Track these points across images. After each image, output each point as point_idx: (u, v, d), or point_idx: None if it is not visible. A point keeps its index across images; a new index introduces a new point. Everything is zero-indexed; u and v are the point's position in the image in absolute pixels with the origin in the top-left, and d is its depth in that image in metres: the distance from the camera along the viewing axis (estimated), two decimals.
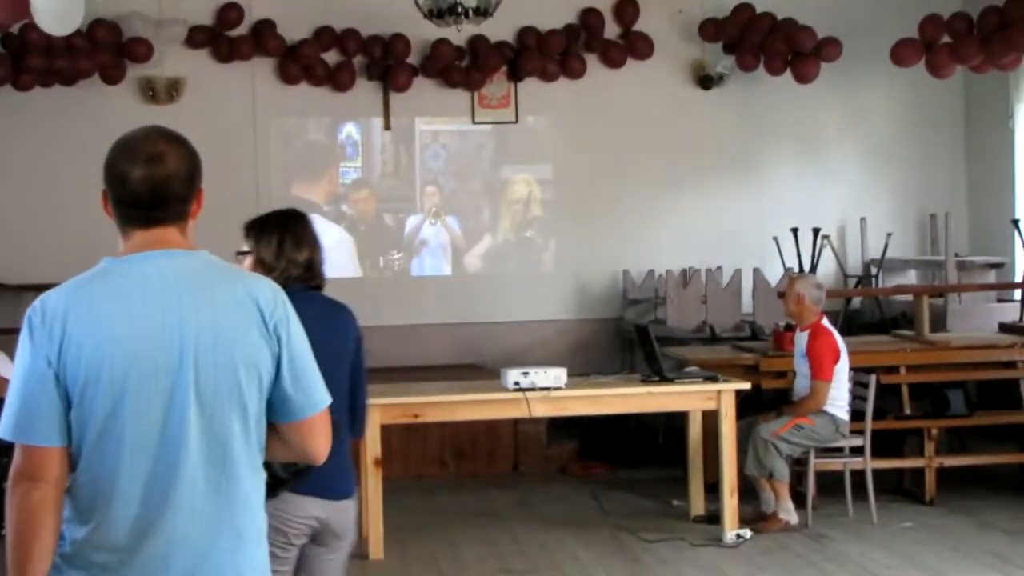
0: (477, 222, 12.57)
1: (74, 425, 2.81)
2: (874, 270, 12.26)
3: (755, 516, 8.30)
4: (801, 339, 8.35)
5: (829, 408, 8.24)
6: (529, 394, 7.73)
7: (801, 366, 8.35)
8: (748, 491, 8.29)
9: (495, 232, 12.58)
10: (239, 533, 2.91)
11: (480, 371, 11.38)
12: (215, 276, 2.93)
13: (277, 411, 2.96)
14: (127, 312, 2.82)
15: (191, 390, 2.84)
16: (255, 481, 2.96)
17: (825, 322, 8.40)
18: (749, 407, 8.68)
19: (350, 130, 12.36)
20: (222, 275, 2.95)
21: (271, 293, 2.96)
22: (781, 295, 9.17)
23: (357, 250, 12.34)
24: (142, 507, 2.82)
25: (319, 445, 3.02)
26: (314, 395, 2.98)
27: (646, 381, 8.18)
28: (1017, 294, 10.97)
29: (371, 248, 12.43)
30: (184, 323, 2.85)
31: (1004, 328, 10.31)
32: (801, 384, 8.37)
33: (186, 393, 2.83)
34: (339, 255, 12.10)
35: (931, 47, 10.56)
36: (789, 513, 8.23)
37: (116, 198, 2.93)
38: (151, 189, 2.88)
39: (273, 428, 2.99)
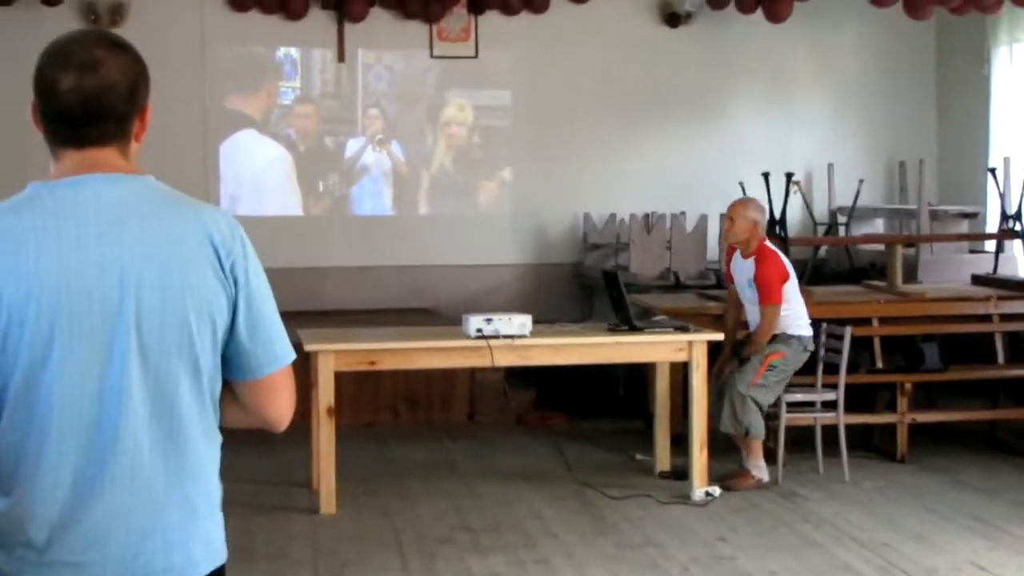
0: (420, 151, 12.03)
1: None
2: (842, 218, 11.93)
3: (725, 473, 7.96)
4: (747, 266, 7.89)
5: (794, 330, 7.85)
6: (492, 342, 7.32)
7: (749, 294, 7.91)
8: (714, 447, 7.95)
9: (442, 166, 12.08)
10: (189, 504, 2.48)
11: (435, 316, 10.99)
12: (163, 205, 2.47)
13: (232, 367, 2.52)
14: (57, 244, 2.36)
15: (132, 336, 2.38)
16: (209, 446, 2.53)
17: (768, 244, 7.99)
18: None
19: (289, 49, 11.79)
20: (171, 204, 2.48)
21: (228, 227, 2.49)
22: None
23: (296, 171, 11.81)
24: (75, 475, 2.37)
25: (282, 408, 2.60)
26: (276, 348, 2.54)
27: (614, 330, 7.79)
28: (990, 245, 10.66)
29: (310, 171, 11.87)
30: (126, 258, 2.38)
31: (977, 280, 10.03)
32: (752, 312, 7.96)
33: (127, 340, 2.37)
34: (278, 174, 11.69)
35: None
36: (761, 470, 7.90)
37: (44, 111, 2.46)
38: (82, 102, 2.42)
39: (227, 387, 2.55)
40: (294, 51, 11.81)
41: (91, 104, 2.43)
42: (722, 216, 10.83)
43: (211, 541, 2.54)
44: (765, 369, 7.79)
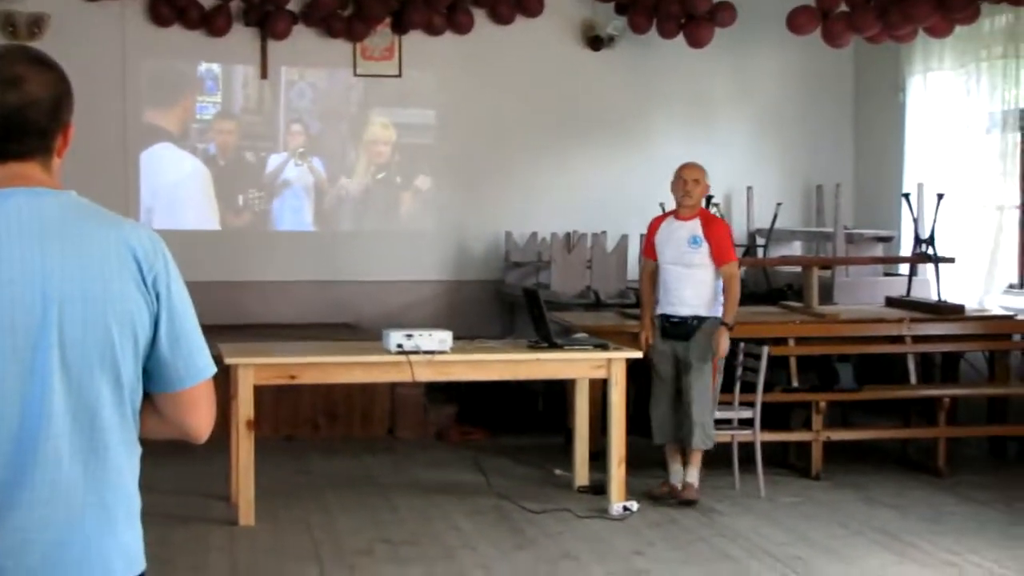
0: (343, 166, 12.10)
1: None
2: (760, 240, 12.09)
3: (657, 491, 8.07)
4: (688, 226, 7.94)
5: (719, 312, 7.95)
6: (412, 357, 7.36)
7: (687, 254, 7.91)
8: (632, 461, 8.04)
9: (365, 182, 12.14)
10: (108, 514, 2.49)
11: (356, 331, 11.00)
12: (85, 220, 2.47)
13: (153, 379, 2.54)
14: None
15: (54, 350, 2.39)
16: (129, 456, 2.54)
17: (736, 230, 8.15)
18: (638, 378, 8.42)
19: (211, 65, 11.77)
20: (93, 219, 2.49)
21: (150, 242, 2.51)
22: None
23: (215, 185, 11.79)
24: None
25: (202, 420, 2.62)
26: (197, 361, 2.55)
27: (534, 347, 7.86)
28: (904, 268, 10.86)
29: (230, 185, 11.85)
30: (47, 273, 2.40)
31: (891, 302, 10.22)
32: (684, 275, 7.92)
33: (48, 354, 2.39)
34: (196, 188, 11.71)
35: (828, 15, 10.37)
36: (698, 480, 8.03)
37: None
38: (4, 116, 2.43)
39: (148, 400, 2.57)
40: (216, 67, 11.78)
41: (13, 119, 2.43)
42: (640, 236, 11.05)
43: (129, 551, 2.55)
44: (716, 376, 7.92)
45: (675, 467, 8.11)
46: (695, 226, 7.93)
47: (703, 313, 7.93)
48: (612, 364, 7.71)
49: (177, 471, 8.36)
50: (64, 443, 2.41)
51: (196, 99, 11.74)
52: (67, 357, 2.40)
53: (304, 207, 11.98)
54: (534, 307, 8.03)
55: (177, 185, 11.75)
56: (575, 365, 7.85)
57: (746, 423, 8.32)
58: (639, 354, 7.97)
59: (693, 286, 7.93)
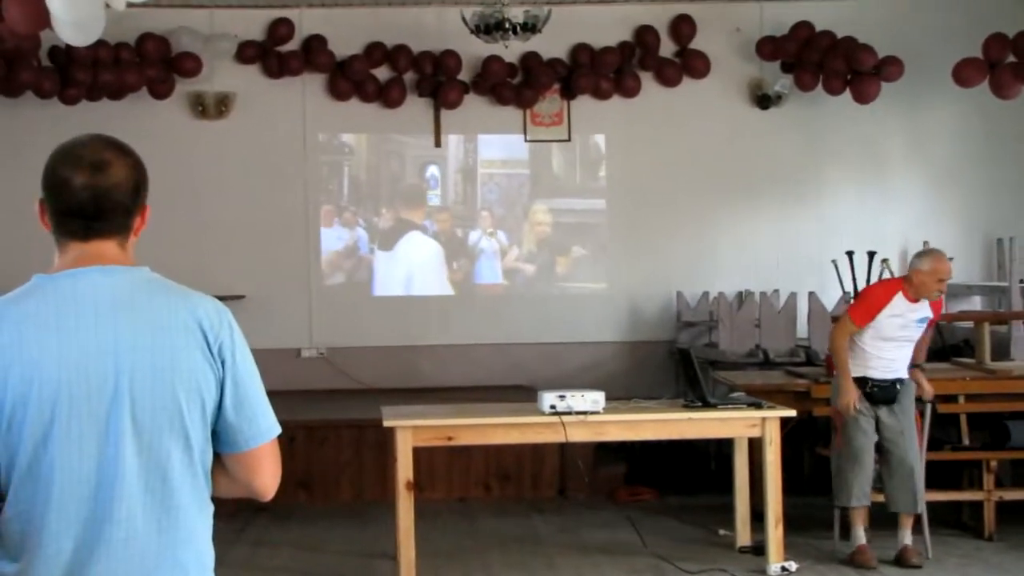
0: (518, 236, 12.67)
1: (2, 454, 2.63)
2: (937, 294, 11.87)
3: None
4: (918, 308, 7.90)
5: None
6: (565, 418, 7.49)
7: (915, 332, 7.95)
8: (793, 521, 8.01)
9: (538, 247, 12.61)
10: (181, 568, 2.72)
11: (528, 393, 11.17)
12: (154, 294, 2.75)
13: (221, 440, 2.78)
14: (57, 333, 2.63)
15: (127, 418, 2.64)
16: (200, 513, 2.77)
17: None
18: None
19: (433, 170, 12.46)
20: (162, 293, 2.76)
21: (216, 313, 2.77)
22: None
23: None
24: (76, 544, 2.63)
25: (266, 479, 2.84)
26: (260, 423, 2.80)
27: (688, 406, 7.92)
28: None
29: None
30: (119, 345, 2.66)
31: None
32: (896, 357, 7.93)
33: (121, 421, 2.64)
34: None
35: (995, 67, 10.26)
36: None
37: (55, 207, 2.75)
38: (93, 198, 2.71)
39: (218, 460, 2.80)
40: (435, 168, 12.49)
41: (102, 200, 2.71)
42: (811, 294, 11.01)
43: None
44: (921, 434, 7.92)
45: (860, 530, 8.04)
46: (924, 307, 7.94)
47: (903, 376, 7.98)
48: (766, 423, 7.71)
49: (350, 532, 8.69)
50: (137, 503, 2.65)
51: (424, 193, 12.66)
52: (138, 422, 2.65)
53: (495, 267, 12.56)
54: (688, 367, 8.09)
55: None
56: (728, 424, 7.86)
57: None
58: (793, 413, 7.95)
59: (906, 355, 7.98)
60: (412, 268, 12.61)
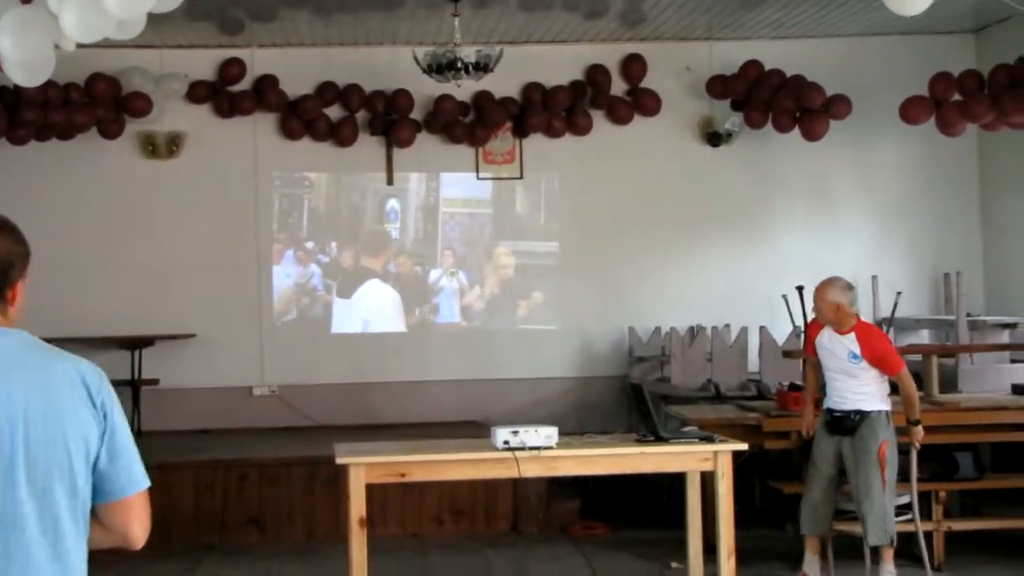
0: (479, 278, 12.66)
1: None
2: (886, 328, 12.01)
3: None
4: (846, 341, 8.01)
5: (884, 406, 8.01)
6: (519, 454, 7.50)
7: (850, 366, 8.00)
8: (746, 553, 8.05)
9: (495, 290, 12.63)
10: None
11: (481, 428, 11.19)
12: (41, 354, 2.92)
13: (97, 491, 2.93)
14: None
15: (21, 468, 2.80)
16: (82, 563, 2.92)
17: (864, 319, 8.20)
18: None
19: (393, 203, 12.50)
20: (47, 353, 2.94)
21: (95, 372, 2.94)
22: (808, 326, 8.74)
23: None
24: None
25: (139, 528, 2.98)
26: (134, 472, 2.96)
27: (641, 441, 7.95)
28: None
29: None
30: (13, 401, 2.82)
31: (1017, 389, 10.05)
32: (841, 386, 8.04)
33: (17, 471, 2.80)
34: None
35: (941, 105, 10.43)
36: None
37: None
38: None
39: (92, 514, 2.95)
40: (395, 202, 12.56)
41: None
42: (763, 329, 11.09)
43: None
44: (885, 469, 7.92)
45: (810, 556, 8.12)
46: (851, 342, 8.00)
47: (866, 408, 7.99)
48: (718, 456, 7.74)
49: (301, 571, 8.71)
50: (35, 547, 2.81)
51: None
52: (33, 472, 2.81)
53: (453, 307, 12.67)
54: (641, 402, 8.13)
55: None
56: (680, 458, 7.89)
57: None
58: (744, 446, 8.00)
59: (856, 387, 8.02)
60: (370, 314, 12.63)
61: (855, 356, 7.97)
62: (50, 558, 2.82)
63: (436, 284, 12.71)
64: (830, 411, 8.12)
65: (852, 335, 8.01)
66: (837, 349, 8.06)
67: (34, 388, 2.83)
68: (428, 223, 12.70)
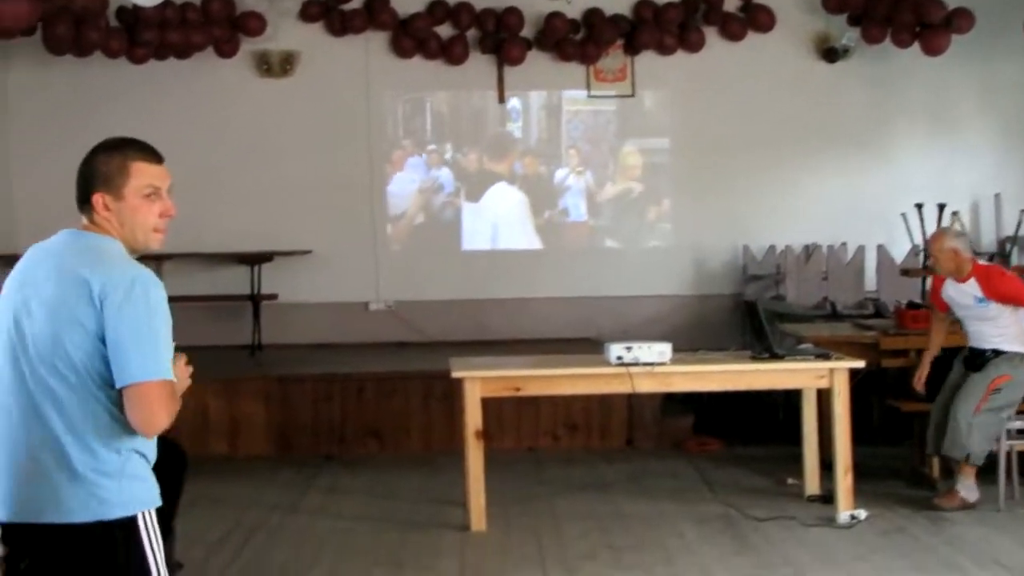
0: (604, 176, 12.69)
1: None
2: (1009, 247, 11.82)
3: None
4: (968, 288, 7.97)
5: (1020, 347, 7.91)
6: (632, 369, 7.54)
7: (979, 311, 7.96)
8: (863, 470, 8.02)
9: (616, 194, 12.64)
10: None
11: (595, 345, 11.23)
12: (77, 255, 3.38)
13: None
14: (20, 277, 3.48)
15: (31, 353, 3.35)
16: (96, 435, 3.34)
17: (983, 262, 8.14)
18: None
19: (514, 103, 12.50)
20: (83, 255, 3.38)
21: (116, 278, 3.31)
22: (923, 269, 8.64)
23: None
24: None
25: (137, 418, 3.28)
26: (127, 367, 3.26)
27: (755, 358, 7.94)
28: None
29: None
30: (36, 288, 3.40)
31: None
32: (978, 330, 8.01)
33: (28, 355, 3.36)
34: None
35: None
36: (971, 491, 7.97)
37: None
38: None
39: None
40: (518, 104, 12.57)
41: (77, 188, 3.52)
42: (880, 247, 10.96)
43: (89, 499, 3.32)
44: (990, 394, 7.86)
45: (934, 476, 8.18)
46: (973, 287, 7.95)
47: (1003, 348, 7.95)
48: (834, 374, 7.72)
49: (419, 481, 8.84)
50: (53, 424, 3.33)
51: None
52: (37, 355, 3.37)
53: (580, 205, 12.73)
54: (755, 319, 8.12)
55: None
56: (795, 375, 7.88)
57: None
58: (861, 363, 7.96)
59: (993, 329, 7.98)
60: (498, 217, 12.67)
61: (981, 300, 7.93)
62: (64, 430, 3.31)
63: (563, 184, 12.70)
64: (971, 348, 8.12)
65: (972, 280, 7.97)
66: (962, 298, 8.04)
67: (47, 283, 3.34)
68: (551, 121, 12.66)
